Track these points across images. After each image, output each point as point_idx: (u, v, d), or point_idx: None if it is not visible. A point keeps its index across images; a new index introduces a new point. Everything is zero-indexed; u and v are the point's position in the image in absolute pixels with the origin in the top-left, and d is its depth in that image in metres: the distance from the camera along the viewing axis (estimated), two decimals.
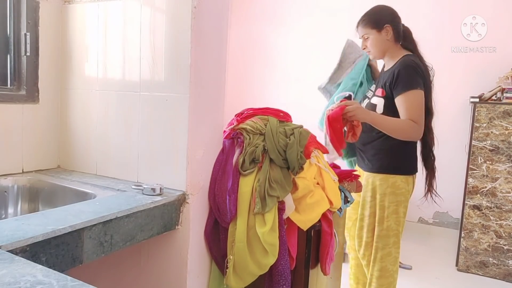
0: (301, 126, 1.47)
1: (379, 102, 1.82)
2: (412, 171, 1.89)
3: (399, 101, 1.75)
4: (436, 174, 1.97)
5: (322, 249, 1.45)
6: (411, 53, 1.87)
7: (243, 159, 1.33)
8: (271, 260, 1.27)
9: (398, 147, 1.80)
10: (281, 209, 1.31)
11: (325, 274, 1.50)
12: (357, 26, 1.90)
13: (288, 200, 1.34)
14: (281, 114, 1.50)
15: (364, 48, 1.90)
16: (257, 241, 1.27)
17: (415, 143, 1.89)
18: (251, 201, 1.30)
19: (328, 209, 1.43)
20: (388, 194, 1.83)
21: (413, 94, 1.73)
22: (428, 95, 1.82)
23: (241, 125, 1.40)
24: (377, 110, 1.81)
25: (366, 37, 1.86)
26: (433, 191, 1.97)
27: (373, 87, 1.96)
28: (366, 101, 1.93)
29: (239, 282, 1.32)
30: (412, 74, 1.75)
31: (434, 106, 1.87)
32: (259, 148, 1.34)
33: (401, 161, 1.85)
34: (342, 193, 1.62)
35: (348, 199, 1.67)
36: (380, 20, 1.84)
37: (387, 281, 1.88)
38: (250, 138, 1.37)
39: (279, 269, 1.30)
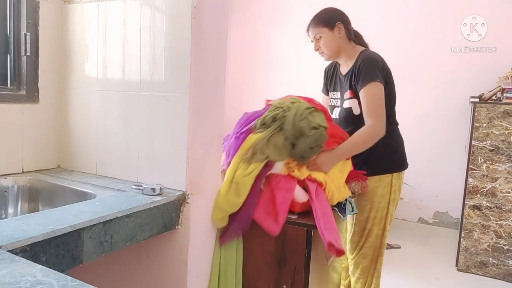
0: (326, 128, 1.55)
1: (352, 103, 1.79)
2: (402, 167, 1.88)
3: (361, 96, 1.74)
4: None
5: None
6: (366, 48, 1.87)
7: (257, 122, 1.52)
8: (239, 200, 1.40)
9: (384, 145, 1.76)
10: (268, 165, 1.46)
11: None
12: (308, 29, 1.88)
13: (279, 164, 1.50)
14: (317, 105, 1.62)
15: (317, 49, 1.87)
16: (236, 183, 1.41)
17: (399, 138, 1.90)
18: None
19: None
20: (385, 195, 1.81)
21: (371, 87, 1.71)
22: (392, 87, 1.83)
23: (272, 102, 1.63)
24: (354, 112, 1.78)
25: (318, 37, 1.83)
26: None
27: (335, 95, 1.93)
28: (337, 109, 1.88)
29: (217, 213, 1.41)
30: (371, 67, 1.73)
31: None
32: (272, 115, 1.52)
33: (390, 159, 1.84)
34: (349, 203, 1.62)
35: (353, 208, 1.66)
36: (331, 18, 1.83)
37: (378, 276, 1.88)
38: (274, 110, 1.55)
39: (241, 211, 1.41)
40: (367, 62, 1.74)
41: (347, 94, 1.81)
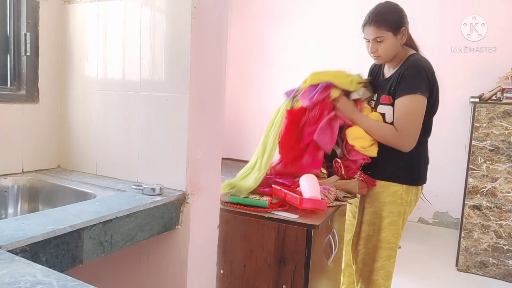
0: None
1: (388, 110, 1.66)
2: (416, 181, 1.74)
3: (396, 105, 1.62)
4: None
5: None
6: (416, 52, 1.72)
7: None
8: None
9: (402, 154, 1.66)
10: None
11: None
12: (368, 25, 1.65)
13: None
14: None
15: (374, 52, 1.67)
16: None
17: (425, 152, 1.76)
18: None
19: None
20: (388, 204, 1.68)
21: (410, 99, 1.58)
22: (437, 97, 1.66)
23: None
24: (386, 119, 1.67)
25: (380, 40, 1.64)
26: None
27: (374, 96, 1.80)
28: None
29: None
30: (416, 76, 1.59)
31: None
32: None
33: (404, 169, 1.70)
34: None
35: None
36: (397, 22, 1.64)
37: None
38: None
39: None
40: (413, 70, 1.60)
41: (384, 99, 1.69)
